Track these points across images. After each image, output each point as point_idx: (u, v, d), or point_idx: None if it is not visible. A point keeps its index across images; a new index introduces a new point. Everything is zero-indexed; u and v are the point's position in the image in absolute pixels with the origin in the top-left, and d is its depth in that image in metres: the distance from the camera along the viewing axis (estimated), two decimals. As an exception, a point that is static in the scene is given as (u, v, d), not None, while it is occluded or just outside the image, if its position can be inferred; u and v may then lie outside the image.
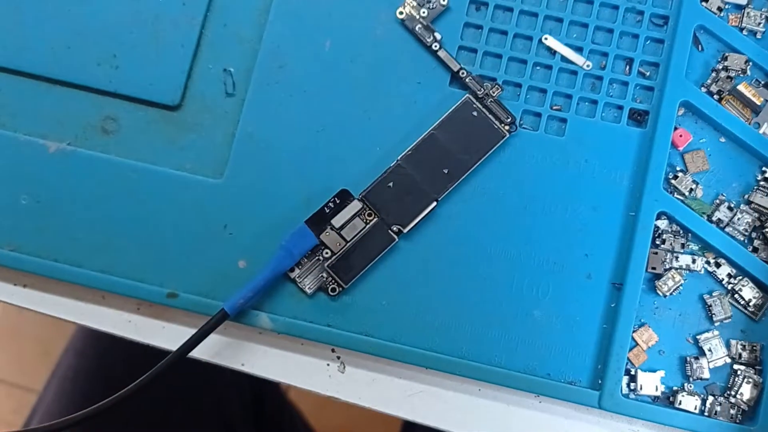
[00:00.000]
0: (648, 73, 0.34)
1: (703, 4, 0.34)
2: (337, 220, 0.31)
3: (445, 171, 0.32)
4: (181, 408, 0.53)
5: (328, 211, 0.32)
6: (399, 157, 0.32)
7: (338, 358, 0.33)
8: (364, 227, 0.32)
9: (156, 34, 0.35)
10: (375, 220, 0.32)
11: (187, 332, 0.32)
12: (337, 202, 0.32)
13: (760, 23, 0.34)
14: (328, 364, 0.33)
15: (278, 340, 0.33)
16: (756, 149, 0.32)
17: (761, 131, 0.33)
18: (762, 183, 0.33)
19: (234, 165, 0.34)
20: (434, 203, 0.32)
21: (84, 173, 0.34)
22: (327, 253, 0.31)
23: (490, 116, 0.32)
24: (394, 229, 0.32)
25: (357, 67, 0.34)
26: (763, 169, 0.33)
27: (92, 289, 0.33)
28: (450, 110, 0.32)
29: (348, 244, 0.31)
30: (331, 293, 0.31)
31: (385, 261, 0.32)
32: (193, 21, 0.35)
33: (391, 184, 0.32)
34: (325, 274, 0.31)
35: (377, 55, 0.34)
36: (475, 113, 0.32)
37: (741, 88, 0.33)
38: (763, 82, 0.33)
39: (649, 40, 0.34)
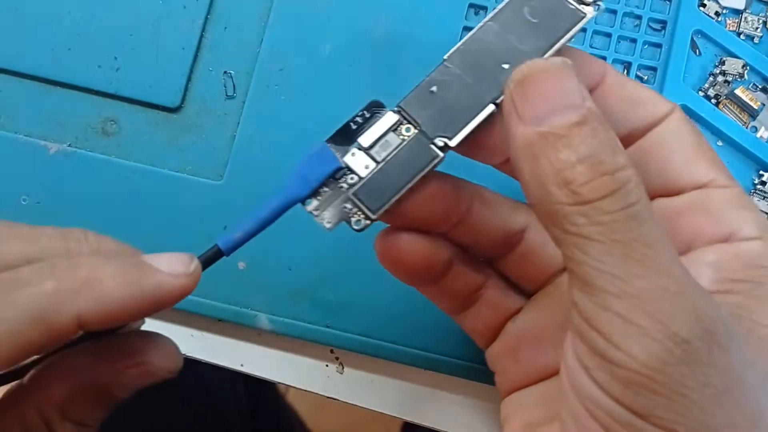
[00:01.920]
0: (646, 77, 0.34)
1: (701, 9, 0.34)
2: (366, 138, 0.24)
3: (506, 66, 0.24)
4: (179, 410, 0.53)
5: (354, 127, 0.25)
6: (445, 56, 0.24)
7: (337, 359, 0.33)
8: (401, 144, 0.24)
9: (157, 36, 0.35)
10: (414, 133, 0.24)
11: (187, 332, 0.32)
12: (366, 115, 0.25)
13: (757, 28, 0.34)
14: (326, 365, 0.33)
15: (277, 340, 0.33)
16: (753, 153, 0.33)
17: (758, 135, 0.33)
18: (759, 187, 0.33)
19: (234, 167, 0.34)
20: (492, 107, 0.24)
21: (84, 174, 0.34)
22: (352, 178, 0.24)
23: None
24: (439, 143, 0.24)
25: (357, 70, 0.35)
26: (761, 172, 0.33)
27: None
28: None
29: (379, 166, 0.24)
30: (356, 226, 0.24)
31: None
32: (193, 23, 0.35)
33: (434, 88, 0.24)
34: (349, 204, 0.24)
35: (377, 59, 0.35)
36: None
37: (738, 92, 0.33)
38: (760, 87, 0.34)
39: (647, 44, 0.34)
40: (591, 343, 0.19)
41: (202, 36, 0.36)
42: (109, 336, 0.23)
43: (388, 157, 0.24)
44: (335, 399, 0.33)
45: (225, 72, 0.35)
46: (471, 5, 0.35)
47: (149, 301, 0.20)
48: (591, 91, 0.23)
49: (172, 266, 0.21)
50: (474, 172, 0.26)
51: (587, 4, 0.24)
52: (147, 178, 0.34)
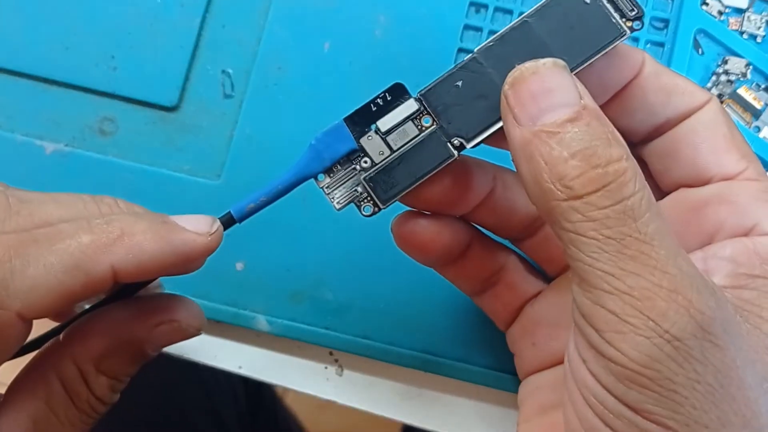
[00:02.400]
0: (648, 77, 0.34)
1: (704, 7, 0.34)
2: (385, 122, 0.24)
3: None
4: (176, 413, 0.53)
5: (374, 108, 0.24)
6: (476, 49, 0.23)
7: (336, 361, 0.33)
8: (417, 135, 0.24)
9: (154, 35, 0.35)
10: (433, 127, 0.24)
11: (184, 334, 0.32)
12: (388, 98, 0.24)
13: (760, 27, 0.34)
14: (325, 367, 0.33)
15: (275, 342, 0.33)
16: (756, 153, 0.32)
17: (761, 135, 0.33)
18: None
19: (232, 166, 0.34)
20: None
21: (81, 174, 0.34)
22: (366, 162, 0.24)
23: (608, 5, 0.23)
24: (455, 142, 0.24)
25: (356, 69, 0.34)
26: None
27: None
28: None
29: (393, 155, 0.24)
30: (364, 212, 0.24)
31: (384, 263, 0.32)
32: (191, 22, 0.35)
33: (460, 83, 0.24)
34: (360, 188, 0.24)
35: (376, 57, 0.34)
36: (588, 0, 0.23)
37: (741, 91, 0.33)
38: (763, 86, 0.33)
39: (650, 43, 0.34)
40: (587, 337, 0.20)
41: (199, 34, 0.35)
42: (139, 290, 0.25)
43: (404, 148, 0.24)
44: (334, 401, 0.33)
45: (223, 71, 0.35)
46: (472, 3, 0.35)
47: (177, 256, 0.22)
48: (629, 81, 0.24)
49: (196, 226, 0.23)
50: (497, 154, 0.26)
51: (630, 20, 0.23)
52: (144, 177, 0.34)
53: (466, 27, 0.34)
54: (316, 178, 0.24)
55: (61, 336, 0.24)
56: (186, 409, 0.54)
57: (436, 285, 0.32)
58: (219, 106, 0.35)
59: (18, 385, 0.23)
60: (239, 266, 0.33)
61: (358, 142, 0.24)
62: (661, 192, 0.25)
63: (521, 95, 0.21)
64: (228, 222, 0.24)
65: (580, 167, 0.19)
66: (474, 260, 0.27)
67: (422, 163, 0.24)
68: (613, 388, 0.19)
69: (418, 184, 0.24)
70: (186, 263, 0.23)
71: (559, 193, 0.20)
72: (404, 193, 0.24)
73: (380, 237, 0.33)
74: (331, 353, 0.33)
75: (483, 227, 0.27)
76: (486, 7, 0.35)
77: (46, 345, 0.24)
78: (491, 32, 0.34)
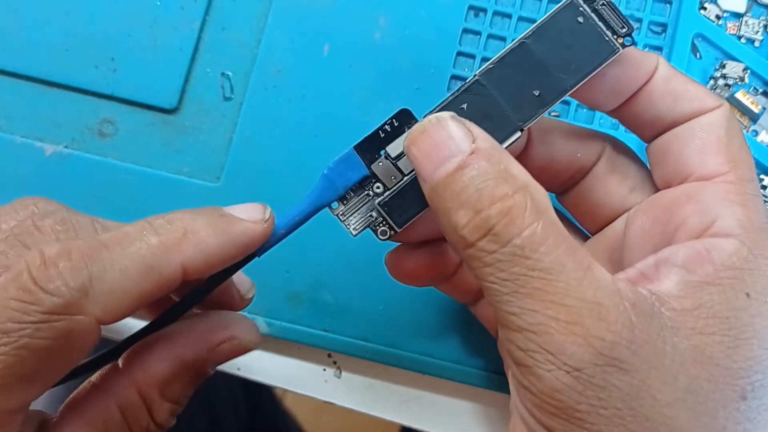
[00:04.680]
0: (646, 80, 0.34)
1: (702, 12, 0.34)
2: (394, 148, 0.25)
3: (536, 93, 0.24)
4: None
5: (383, 135, 0.25)
6: (477, 72, 0.24)
7: (335, 363, 0.33)
8: None
9: (154, 37, 0.35)
10: None
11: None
12: (395, 124, 0.25)
13: (758, 32, 0.34)
14: (324, 369, 0.33)
15: (274, 344, 0.33)
16: (754, 157, 0.32)
17: (759, 139, 0.33)
18: (760, 191, 0.33)
19: (231, 169, 0.34)
20: (519, 133, 0.24)
21: (81, 176, 0.34)
22: (378, 187, 0.25)
23: (600, 24, 0.24)
24: None
25: (355, 71, 0.34)
26: (761, 177, 0.33)
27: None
28: (549, 14, 0.24)
29: (405, 179, 0.24)
30: (381, 236, 0.25)
31: (382, 265, 0.32)
32: (191, 24, 0.35)
33: (465, 105, 0.24)
34: (374, 213, 0.25)
35: (375, 60, 0.34)
36: (581, 19, 0.24)
37: (739, 95, 0.33)
38: (761, 90, 0.34)
39: (648, 47, 0.34)
40: (510, 369, 0.21)
41: (199, 37, 0.35)
42: (216, 287, 0.25)
43: (414, 172, 0.24)
44: (333, 403, 0.33)
45: (222, 73, 0.35)
46: (471, 7, 0.35)
47: (238, 247, 0.23)
48: (641, 86, 0.24)
49: (251, 214, 0.23)
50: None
51: (621, 36, 0.24)
52: (143, 179, 0.34)
53: (465, 30, 0.35)
54: (330, 207, 0.25)
55: (120, 361, 0.24)
56: (184, 411, 0.53)
57: (435, 288, 0.32)
58: (218, 109, 0.35)
59: (73, 411, 0.23)
60: (238, 268, 0.33)
61: (370, 168, 0.25)
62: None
63: (417, 155, 0.22)
64: (248, 256, 0.25)
65: (467, 215, 0.20)
66: (464, 277, 0.28)
67: None
68: (533, 413, 0.20)
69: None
70: (246, 252, 0.23)
71: (458, 243, 0.21)
72: (419, 215, 0.24)
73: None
74: (329, 355, 0.33)
75: None
76: (485, 11, 0.35)
77: (103, 370, 0.24)
78: (489, 36, 0.34)
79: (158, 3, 0.36)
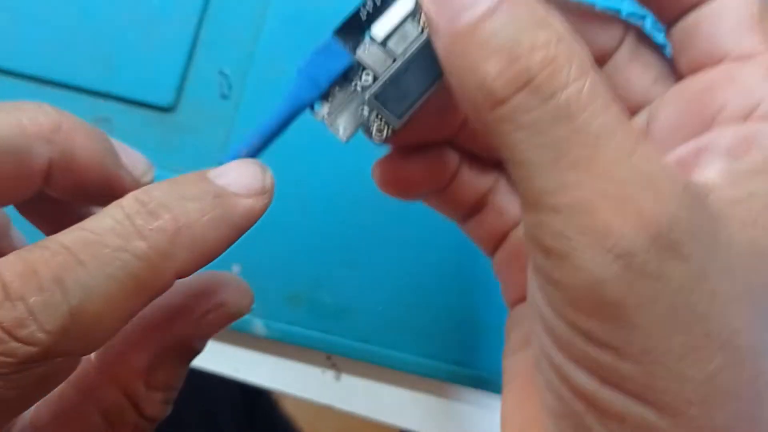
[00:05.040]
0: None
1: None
2: (379, 28, 0.21)
3: None
4: (173, 417, 0.53)
5: (365, 16, 0.21)
6: None
7: (334, 365, 0.33)
8: (420, 34, 0.21)
9: (151, 34, 0.35)
10: None
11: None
12: (377, 3, 0.21)
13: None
14: (323, 371, 0.33)
15: (272, 346, 0.33)
16: None
17: None
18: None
19: (229, 168, 0.33)
20: None
21: (76, 175, 0.34)
22: (367, 77, 0.21)
23: None
24: None
25: (355, 69, 0.34)
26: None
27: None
28: None
29: (398, 63, 0.21)
30: (377, 136, 0.21)
31: (382, 266, 0.32)
32: (188, 22, 0.35)
33: None
34: (366, 109, 0.21)
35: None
36: None
37: None
38: None
39: None
40: (535, 260, 0.17)
41: (196, 34, 0.35)
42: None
43: (408, 52, 0.21)
44: (332, 406, 0.32)
45: (220, 71, 0.35)
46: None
47: (238, 234, 0.19)
48: None
49: (247, 183, 0.19)
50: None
51: None
52: (140, 179, 0.33)
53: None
54: (312, 109, 0.21)
55: (92, 356, 0.20)
56: (182, 414, 0.53)
57: (435, 289, 0.32)
58: (216, 107, 0.34)
59: (51, 425, 0.20)
60: (236, 269, 0.32)
61: (355, 55, 0.21)
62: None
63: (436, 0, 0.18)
64: None
65: (499, 65, 0.16)
66: (460, 186, 0.24)
67: (433, 62, 0.20)
68: (564, 315, 0.17)
69: (434, 87, 0.21)
70: (244, 232, 0.19)
71: (484, 101, 0.17)
72: (421, 101, 0.21)
73: (379, 239, 0.32)
74: (328, 357, 0.33)
75: (468, 151, 0.25)
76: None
77: (78, 371, 0.20)
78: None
79: (155, 1, 0.35)
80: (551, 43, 0.16)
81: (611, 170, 0.16)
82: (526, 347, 0.23)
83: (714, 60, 0.20)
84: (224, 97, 0.34)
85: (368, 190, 0.33)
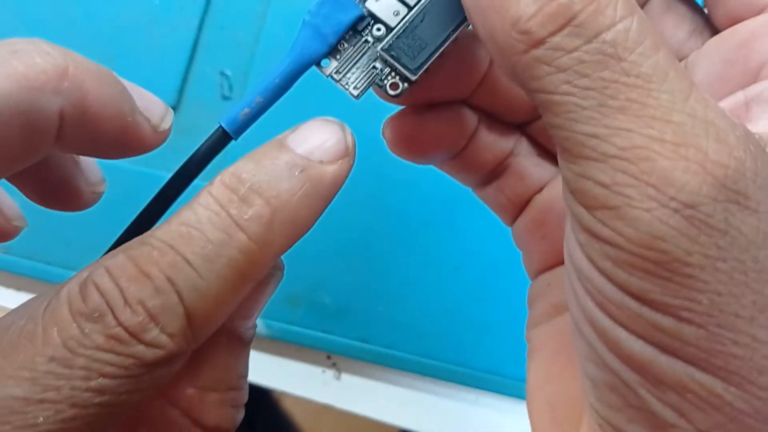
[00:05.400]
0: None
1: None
2: None
3: None
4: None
5: None
6: None
7: (334, 364, 0.33)
8: None
9: (152, 36, 0.35)
10: None
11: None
12: None
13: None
14: (323, 371, 0.33)
15: (272, 346, 0.33)
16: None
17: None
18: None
19: (230, 169, 0.34)
20: None
21: (78, 176, 0.34)
22: (379, 29, 0.19)
23: None
24: None
25: (355, 71, 0.34)
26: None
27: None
28: None
29: (412, 11, 0.19)
30: (391, 91, 0.19)
31: (382, 266, 0.32)
32: (189, 23, 0.35)
33: None
34: (378, 64, 0.19)
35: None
36: None
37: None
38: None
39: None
40: (578, 217, 0.16)
41: (198, 36, 0.35)
42: None
43: (421, 1, 0.19)
44: (332, 406, 0.33)
45: (221, 72, 0.35)
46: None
47: (326, 204, 0.18)
48: None
49: (331, 150, 0.18)
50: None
51: None
52: (141, 180, 0.34)
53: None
54: (319, 65, 0.19)
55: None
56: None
57: (435, 288, 0.32)
58: (217, 108, 0.34)
59: None
60: (236, 269, 0.32)
61: (365, 5, 0.19)
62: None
63: None
64: (221, 140, 0.20)
65: (536, 1, 0.15)
66: (478, 149, 0.23)
67: (453, 9, 0.18)
68: (613, 275, 0.15)
69: (455, 37, 0.19)
70: (331, 200, 0.18)
71: (518, 43, 0.15)
72: (439, 53, 0.19)
73: (379, 240, 0.33)
74: (328, 357, 0.33)
75: (487, 111, 0.23)
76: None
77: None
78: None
79: (157, 2, 0.35)
80: None
81: (667, 113, 0.14)
82: (553, 317, 0.22)
83: (754, 10, 0.19)
84: (225, 97, 0.35)
85: (368, 191, 0.33)
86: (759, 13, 0.19)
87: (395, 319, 0.32)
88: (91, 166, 0.22)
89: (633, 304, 0.15)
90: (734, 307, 0.14)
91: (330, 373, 0.33)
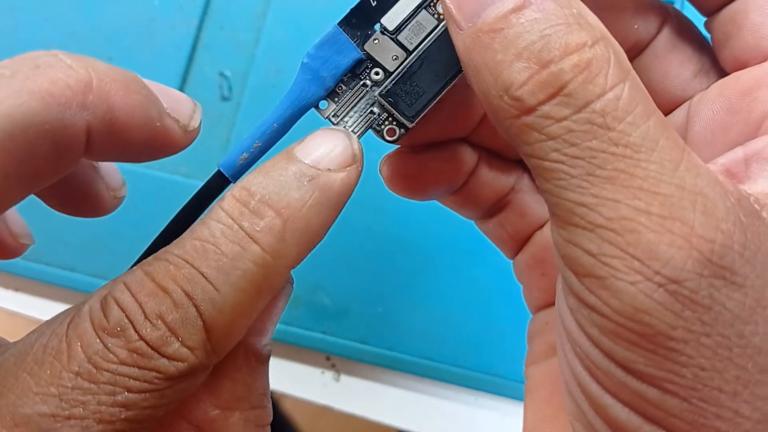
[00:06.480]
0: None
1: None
2: (391, 18, 0.19)
3: None
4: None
5: (374, 2, 0.19)
6: None
7: (333, 366, 0.33)
8: (437, 26, 0.19)
9: (152, 36, 0.35)
10: None
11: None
12: None
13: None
14: (322, 372, 0.33)
15: (272, 347, 0.33)
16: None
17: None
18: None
19: (229, 169, 0.34)
20: None
21: (77, 176, 0.34)
22: (377, 73, 0.19)
23: None
24: None
25: (355, 71, 0.34)
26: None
27: (85, 293, 0.33)
28: None
29: (411, 57, 0.19)
30: (388, 137, 0.19)
31: (381, 267, 0.32)
32: (189, 24, 0.35)
33: None
34: (376, 108, 0.19)
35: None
36: None
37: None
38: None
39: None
40: (567, 281, 0.16)
41: (197, 37, 0.35)
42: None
43: (423, 45, 0.19)
44: (331, 407, 0.32)
45: (221, 73, 0.35)
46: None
47: (337, 212, 0.18)
48: None
49: (339, 158, 0.18)
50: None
51: None
52: (140, 180, 0.34)
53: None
54: (317, 108, 0.19)
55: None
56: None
57: (435, 290, 0.32)
58: (216, 109, 0.34)
59: None
60: (236, 270, 0.32)
61: (363, 49, 0.19)
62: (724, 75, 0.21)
63: None
64: (218, 183, 0.19)
65: (528, 69, 0.15)
66: (479, 185, 0.23)
67: (452, 56, 0.18)
68: (600, 343, 0.15)
69: (452, 84, 0.19)
70: (342, 208, 0.18)
71: (510, 108, 0.15)
72: (436, 101, 0.19)
73: (378, 240, 0.32)
74: (328, 358, 0.33)
75: (488, 148, 0.23)
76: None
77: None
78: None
79: (156, 2, 0.35)
80: (586, 46, 0.15)
81: (655, 185, 0.14)
82: (550, 357, 0.22)
83: (762, 55, 0.19)
84: (225, 98, 0.35)
85: (368, 192, 0.33)
86: (766, 59, 0.19)
87: (395, 321, 0.32)
88: (111, 170, 0.22)
89: (619, 373, 0.15)
90: (718, 382, 0.14)
91: (329, 374, 0.33)
